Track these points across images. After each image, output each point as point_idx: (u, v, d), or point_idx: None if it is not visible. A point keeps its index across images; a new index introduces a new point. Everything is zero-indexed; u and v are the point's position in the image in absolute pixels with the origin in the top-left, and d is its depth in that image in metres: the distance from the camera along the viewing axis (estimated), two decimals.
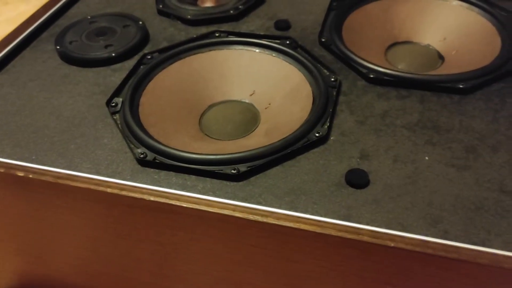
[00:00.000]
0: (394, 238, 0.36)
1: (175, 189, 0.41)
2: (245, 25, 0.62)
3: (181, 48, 0.57)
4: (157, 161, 0.44)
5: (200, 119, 0.54)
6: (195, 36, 0.60)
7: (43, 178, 0.43)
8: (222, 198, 0.40)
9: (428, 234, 0.37)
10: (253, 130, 0.53)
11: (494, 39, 0.57)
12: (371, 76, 0.52)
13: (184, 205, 0.40)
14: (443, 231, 0.37)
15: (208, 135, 0.52)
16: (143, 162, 0.44)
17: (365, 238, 0.36)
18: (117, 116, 0.49)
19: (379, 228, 0.37)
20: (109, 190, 0.41)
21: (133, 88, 0.52)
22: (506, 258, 0.34)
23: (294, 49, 0.56)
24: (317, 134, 0.45)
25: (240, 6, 0.64)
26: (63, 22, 0.65)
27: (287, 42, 0.57)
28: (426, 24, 0.63)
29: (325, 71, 0.53)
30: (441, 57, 0.61)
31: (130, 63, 0.57)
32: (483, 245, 0.36)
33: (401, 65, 0.60)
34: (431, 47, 0.62)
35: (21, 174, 0.44)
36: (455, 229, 0.37)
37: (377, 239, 0.36)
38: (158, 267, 0.48)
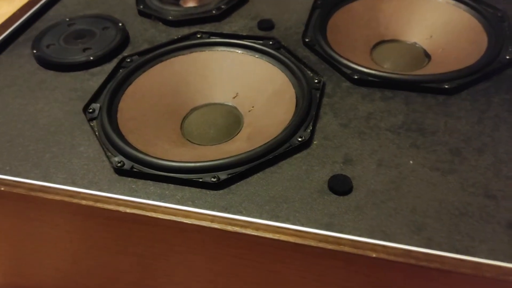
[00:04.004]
0: (376, 248, 0.35)
1: (153, 199, 0.40)
2: (227, 26, 0.61)
3: (162, 50, 0.56)
4: (135, 169, 0.42)
5: (181, 123, 0.53)
6: (176, 37, 0.58)
7: (15, 190, 0.41)
8: (201, 207, 0.39)
9: (411, 242, 0.36)
10: (236, 134, 0.51)
11: (480, 36, 0.56)
12: (356, 77, 0.51)
13: (161, 216, 0.38)
14: (427, 239, 0.36)
15: (189, 140, 0.51)
16: (120, 171, 0.43)
17: (346, 249, 0.35)
18: (94, 123, 0.48)
19: (361, 238, 0.36)
20: (83, 202, 0.40)
21: (112, 93, 0.50)
22: (489, 267, 0.34)
23: (277, 50, 0.55)
24: (299, 139, 0.44)
25: (222, 6, 0.63)
26: (40, 25, 0.63)
27: (270, 42, 0.56)
28: (412, 22, 0.62)
29: (309, 72, 0.52)
30: (427, 56, 0.59)
31: (110, 66, 0.55)
32: (467, 253, 0.35)
33: (387, 64, 0.59)
34: (417, 45, 0.61)
35: None
36: (439, 236, 0.36)
37: (358, 249, 0.35)
38: (139, 279, 0.47)
